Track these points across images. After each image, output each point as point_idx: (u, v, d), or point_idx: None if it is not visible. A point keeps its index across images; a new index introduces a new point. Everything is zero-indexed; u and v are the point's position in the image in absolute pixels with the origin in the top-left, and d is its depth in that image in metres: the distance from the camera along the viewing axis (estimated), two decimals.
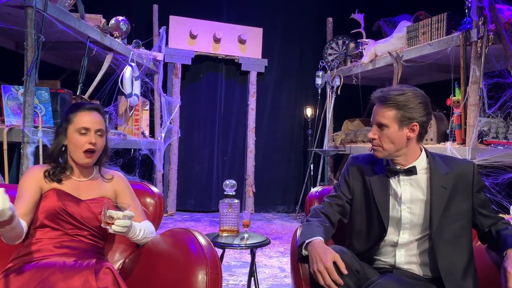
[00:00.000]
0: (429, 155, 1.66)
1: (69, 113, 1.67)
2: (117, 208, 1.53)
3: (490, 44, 3.17)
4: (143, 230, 1.66)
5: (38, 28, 2.76)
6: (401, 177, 1.64)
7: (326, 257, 1.44)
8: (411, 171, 1.62)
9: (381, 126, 1.60)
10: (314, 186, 5.31)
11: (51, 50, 3.61)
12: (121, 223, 1.50)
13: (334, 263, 1.43)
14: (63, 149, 1.68)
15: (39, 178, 1.63)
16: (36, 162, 2.77)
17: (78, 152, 1.64)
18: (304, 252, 1.54)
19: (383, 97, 1.60)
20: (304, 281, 1.53)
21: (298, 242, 1.59)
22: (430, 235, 1.58)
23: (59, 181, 1.65)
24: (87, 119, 1.65)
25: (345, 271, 1.42)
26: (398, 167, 1.64)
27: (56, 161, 1.67)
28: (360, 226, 1.69)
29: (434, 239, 1.56)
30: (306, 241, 1.53)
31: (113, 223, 1.50)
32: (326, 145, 5.53)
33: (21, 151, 2.72)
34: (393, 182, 1.65)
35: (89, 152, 1.64)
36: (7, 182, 2.81)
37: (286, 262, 3.55)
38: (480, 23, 3.21)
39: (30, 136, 2.72)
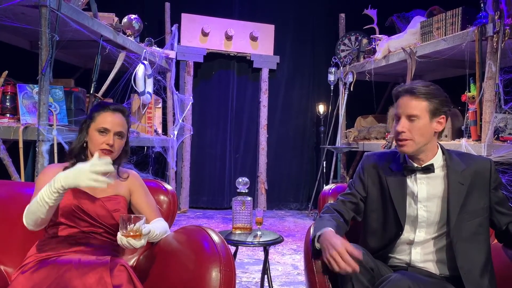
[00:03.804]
0: (446, 152, 1.65)
1: (94, 111, 1.69)
2: (133, 219, 1.49)
3: (506, 38, 3.11)
4: (154, 232, 1.65)
5: (52, 27, 2.78)
6: (418, 175, 1.62)
7: (337, 242, 1.43)
8: (429, 169, 1.61)
9: (411, 118, 1.57)
10: (327, 183, 5.29)
11: (65, 49, 3.64)
12: (138, 244, 1.48)
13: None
14: (84, 145, 1.69)
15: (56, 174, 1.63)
16: (51, 160, 2.81)
17: (95, 149, 1.65)
18: (317, 245, 1.53)
19: (413, 88, 1.57)
20: (318, 278, 1.52)
21: (311, 238, 1.58)
22: (447, 232, 1.56)
23: None
24: (109, 119, 1.67)
25: (360, 257, 1.41)
26: (416, 165, 1.63)
27: (77, 158, 1.68)
28: (375, 224, 1.67)
29: (452, 237, 1.54)
30: (317, 234, 1.53)
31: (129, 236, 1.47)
32: (339, 142, 5.50)
33: (36, 149, 2.76)
34: (409, 180, 1.63)
35: (105, 150, 1.65)
36: (23, 180, 2.85)
37: (299, 260, 3.54)
38: (496, 17, 3.16)
39: (45, 134, 2.75)
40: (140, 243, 1.47)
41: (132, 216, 1.50)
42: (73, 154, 1.69)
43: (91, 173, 1.41)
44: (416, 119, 1.56)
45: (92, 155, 1.66)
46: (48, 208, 1.46)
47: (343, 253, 1.40)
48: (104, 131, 1.65)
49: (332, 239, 1.45)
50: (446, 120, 1.59)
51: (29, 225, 1.52)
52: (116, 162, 1.73)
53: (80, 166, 1.44)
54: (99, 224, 1.63)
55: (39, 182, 1.62)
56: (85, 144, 1.69)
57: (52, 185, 1.44)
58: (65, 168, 1.63)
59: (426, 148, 1.60)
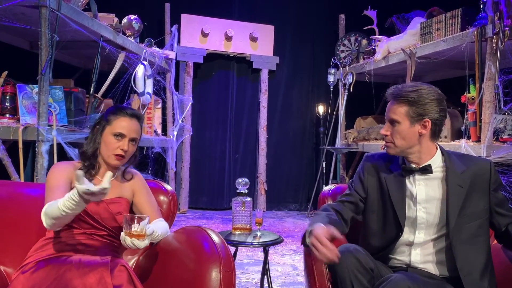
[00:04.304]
0: (445, 153, 1.65)
1: (110, 114, 1.68)
2: (137, 219, 1.49)
3: (506, 39, 3.12)
4: (156, 232, 1.65)
5: (52, 27, 2.78)
6: (417, 177, 1.63)
7: (317, 228, 1.45)
8: (426, 170, 1.61)
9: (393, 122, 1.60)
10: (327, 184, 5.29)
11: (65, 49, 3.64)
12: (141, 245, 1.48)
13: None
14: (97, 147, 1.68)
15: (68, 172, 1.63)
16: (51, 160, 2.80)
17: (108, 153, 1.66)
18: (307, 240, 1.53)
19: (396, 93, 1.60)
20: (318, 279, 1.52)
21: (303, 234, 1.60)
22: (447, 234, 1.57)
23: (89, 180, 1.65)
24: (125, 125, 1.67)
25: (339, 235, 1.45)
26: (413, 166, 1.63)
27: (91, 159, 1.67)
28: (375, 225, 1.68)
29: (452, 239, 1.54)
30: (309, 229, 1.53)
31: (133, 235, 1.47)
32: (339, 143, 5.50)
33: (36, 149, 2.76)
34: (408, 181, 1.64)
35: (119, 156, 1.66)
36: (22, 180, 2.85)
37: (298, 260, 3.54)
38: (495, 18, 3.16)
39: (45, 134, 2.75)
40: (143, 243, 1.47)
41: (136, 216, 1.50)
42: (87, 156, 1.67)
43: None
44: (397, 124, 1.59)
45: (103, 159, 1.67)
46: (72, 216, 1.48)
47: (320, 237, 1.41)
48: (120, 136, 1.66)
49: (315, 229, 1.46)
50: (434, 124, 1.58)
51: (49, 227, 1.50)
52: (123, 165, 1.74)
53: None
54: (101, 227, 1.63)
55: (55, 176, 1.60)
56: (98, 145, 1.68)
57: (73, 198, 1.42)
58: (80, 168, 1.64)
59: (415, 150, 1.61)
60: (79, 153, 1.69)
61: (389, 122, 1.62)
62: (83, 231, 1.60)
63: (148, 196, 1.79)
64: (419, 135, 1.58)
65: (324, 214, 1.63)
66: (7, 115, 3.03)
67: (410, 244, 1.61)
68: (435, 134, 1.62)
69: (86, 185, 1.35)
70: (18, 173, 2.84)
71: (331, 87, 5.53)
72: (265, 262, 2.37)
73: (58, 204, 1.42)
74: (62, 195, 1.49)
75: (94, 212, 1.61)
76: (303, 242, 1.56)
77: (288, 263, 3.49)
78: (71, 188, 1.59)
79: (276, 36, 5.90)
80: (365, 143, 5.07)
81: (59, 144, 2.88)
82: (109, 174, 1.40)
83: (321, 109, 5.84)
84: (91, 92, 3.49)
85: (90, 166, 1.67)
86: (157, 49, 4.90)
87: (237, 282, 2.88)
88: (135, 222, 1.47)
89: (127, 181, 1.76)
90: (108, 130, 1.66)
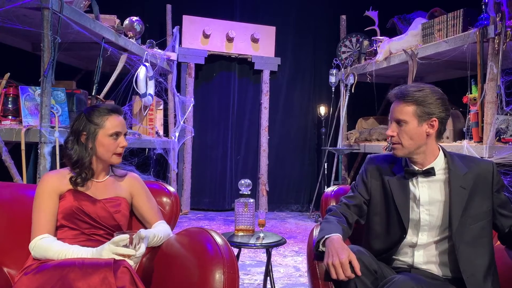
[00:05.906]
0: (447, 155, 1.65)
1: (97, 117, 1.66)
2: (129, 240, 1.51)
3: (508, 40, 3.11)
4: (158, 236, 1.67)
5: (54, 29, 2.79)
6: (420, 179, 1.62)
7: (343, 253, 1.43)
8: (430, 172, 1.61)
9: (400, 122, 1.59)
10: (328, 185, 5.29)
11: (67, 51, 3.65)
12: (135, 260, 1.52)
13: (350, 263, 1.42)
14: (93, 154, 1.66)
15: (55, 186, 1.62)
16: (53, 161, 2.81)
17: (109, 154, 1.66)
18: (321, 248, 1.53)
19: (402, 93, 1.59)
20: (321, 281, 1.52)
21: (316, 239, 1.58)
22: (450, 236, 1.56)
23: (82, 185, 1.66)
24: (117, 122, 1.68)
25: (359, 273, 1.41)
26: (417, 168, 1.63)
27: (87, 168, 1.66)
28: (378, 227, 1.67)
29: (455, 241, 1.54)
30: (326, 236, 1.53)
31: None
32: (340, 144, 5.50)
33: (38, 151, 2.76)
34: (411, 183, 1.64)
35: (120, 154, 1.69)
36: (25, 181, 2.86)
37: (300, 261, 3.54)
38: (497, 19, 3.16)
39: (47, 136, 2.75)
40: (132, 261, 1.50)
41: (128, 233, 1.52)
42: (84, 166, 1.65)
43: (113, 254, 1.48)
44: (404, 124, 1.58)
45: (103, 160, 1.67)
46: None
47: (346, 267, 1.41)
48: (116, 134, 1.67)
49: (338, 248, 1.45)
50: (440, 123, 1.58)
51: (34, 257, 1.55)
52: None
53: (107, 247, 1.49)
54: (100, 226, 1.63)
55: (41, 197, 1.60)
56: (93, 152, 1.67)
57: (81, 254, 1.51)
58: (72, 178, 1.64)
59: (421, 151, 1.61)
60: (71, 164, 1.65)
61: (395, 123, 1.61)
62: (82, 231, 1.61)
63: (147, 198, 1.79)
64: (426, 135, 1.58)
65: (335, 221, 1.62)
66: (10, 117, 3.03)
67: (413, 246, 1.61)
68: (440, 134, 1.62)
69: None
70: (21, 174, 2.85)
71: (333, 88, 5.53)
72: (268, 264, 2.37)
73: (59, 252, 1.51)
74: (47, 222, 1.56)
75: (91, 211, 1.62)
76: (317, 247, 1.55)
77: (291, 264, 3.49)
78: (60, 196, 1.62)
79: (277, 37, 5.90)
80: (366, 144, 5.06)
81: (61, 146, 2.88)
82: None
83: (322, 110, 5.84)
84: (93, 94, 3.50)
85: (86, 175, 1.66)
86: (159, 50, 4.90)
87: (239, 283, 2.89)
88: (128, 243, 1.50)
89: (121, 179, 1.77)
90: (102, 133, 1.65)
